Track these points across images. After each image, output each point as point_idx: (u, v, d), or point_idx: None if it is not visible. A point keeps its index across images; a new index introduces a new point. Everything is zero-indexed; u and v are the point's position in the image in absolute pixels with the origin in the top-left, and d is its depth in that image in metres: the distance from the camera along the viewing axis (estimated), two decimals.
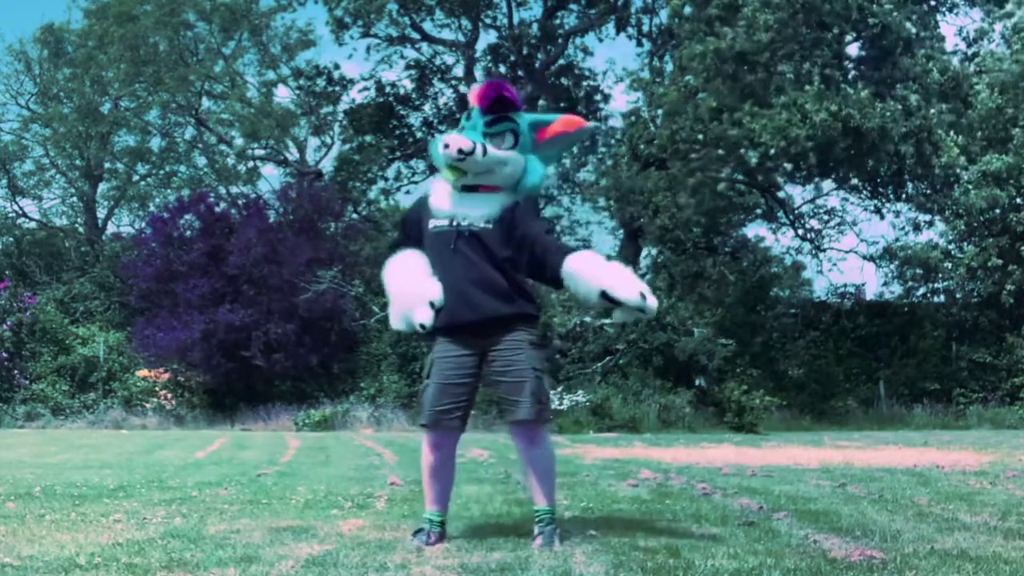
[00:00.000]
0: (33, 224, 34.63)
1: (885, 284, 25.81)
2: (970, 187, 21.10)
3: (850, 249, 27.56)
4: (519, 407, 4.28)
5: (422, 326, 4.15)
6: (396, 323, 4.33)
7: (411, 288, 4.26)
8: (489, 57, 28.26)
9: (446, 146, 4.24)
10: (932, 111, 20.56)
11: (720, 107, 20.47)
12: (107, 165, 34.45)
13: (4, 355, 22.49)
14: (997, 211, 21.50)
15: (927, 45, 21.06)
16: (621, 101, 57.50)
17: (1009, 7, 21.56)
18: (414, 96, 28.40)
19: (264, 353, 21.43)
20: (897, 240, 25.30)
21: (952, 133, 20.48)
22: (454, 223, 4.31)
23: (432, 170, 28.19)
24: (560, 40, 27.63)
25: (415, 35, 27.87)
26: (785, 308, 25.82)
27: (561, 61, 28.06)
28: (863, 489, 6.30)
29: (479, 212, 4.30)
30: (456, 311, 4.24)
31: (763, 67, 20.22)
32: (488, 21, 28.10)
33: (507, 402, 4.33)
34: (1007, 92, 20.44)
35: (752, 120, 19.65)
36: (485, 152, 4.24)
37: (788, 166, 21.41)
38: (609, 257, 4.29)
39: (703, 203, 21.63)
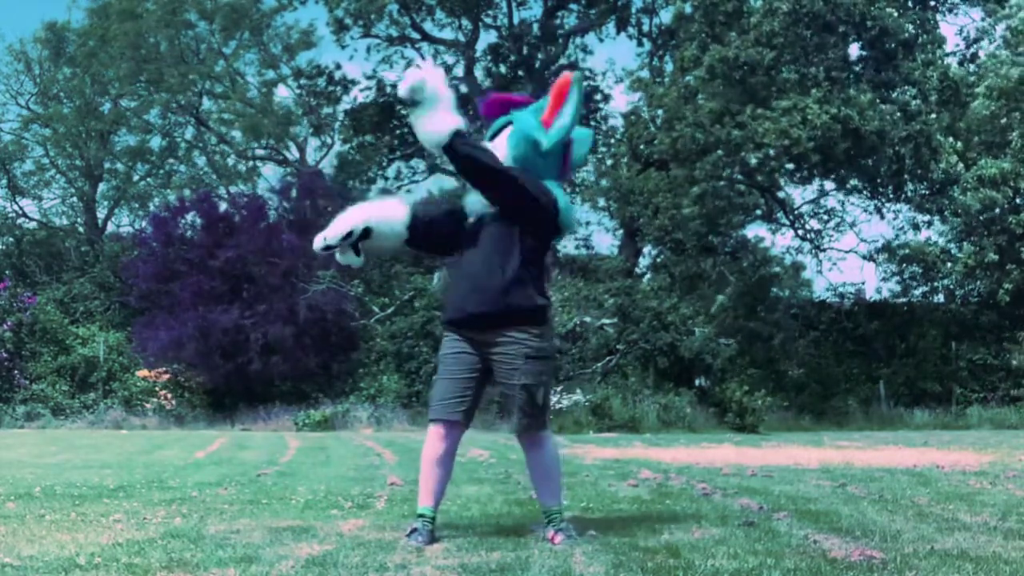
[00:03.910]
0: (33, 224, 34.61)
1: (884, 280, 25.82)
2: (968, 189, 21.10)
3: (850, 249, 27.57)
4: (512, 418, 4.37)
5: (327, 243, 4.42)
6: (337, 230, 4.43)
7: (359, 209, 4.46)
8: (489, 57, 28.27)
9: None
10: (932, 116, 20.56)
11: (723, 111, 20.46)
12: (107, 165, 34.43)
13: (4, 355, 22.46)
14: (996, 211, 21.48)
15: (927, 50, 21.05)
16: (621, 101, 57.43)
17: (1010, 7, 21.52)
18: None
19: (261, 357, 21.36)
20: (896, 238, 25.32)
21: (951, 139, 20.47)
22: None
23: (432, 170, 28.27)
24: (560, 40, 27.64)
25: (415, 35, 27.88)
26: (785, 308, 25.79)
27: (561, 61, 28.05)
28: (863, 489, 6.30)
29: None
30: (458, 305, 4.34)
31: (765, 71, 20.22)
32: (488, 21, 28.12)
33: (507, 409, 4.41)
34: (1005, 97, 20.40)
35: (755, 123, 19.64)
36: None
37: (789, 166, 21.41)
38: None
39: (707, 210, 21.58)
